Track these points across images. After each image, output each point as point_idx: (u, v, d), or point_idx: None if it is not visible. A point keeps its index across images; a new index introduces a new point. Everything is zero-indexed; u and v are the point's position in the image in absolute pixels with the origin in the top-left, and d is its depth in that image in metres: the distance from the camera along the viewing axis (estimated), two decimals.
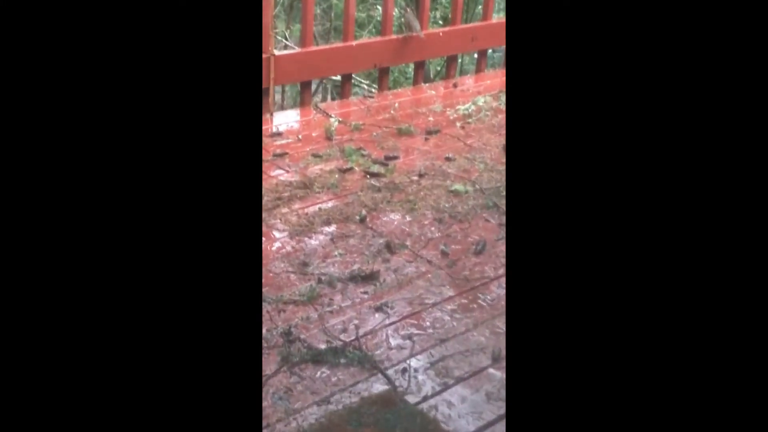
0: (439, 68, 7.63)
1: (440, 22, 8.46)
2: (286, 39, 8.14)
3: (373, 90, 7.32)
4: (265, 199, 2.35)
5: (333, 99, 8.04)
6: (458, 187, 2.50)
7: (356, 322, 1.84)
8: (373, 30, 8.19)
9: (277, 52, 3.06)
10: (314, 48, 3.22)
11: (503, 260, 2.08)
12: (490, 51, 4.04)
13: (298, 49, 3.19)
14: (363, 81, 7.79)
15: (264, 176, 2.50)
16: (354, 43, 3.29)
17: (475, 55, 4.10)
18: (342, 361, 1.71)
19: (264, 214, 2.27)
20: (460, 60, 6.88)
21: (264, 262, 2.03)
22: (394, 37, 3.44)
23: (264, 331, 1.77)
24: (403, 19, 3.58)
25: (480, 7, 7.87)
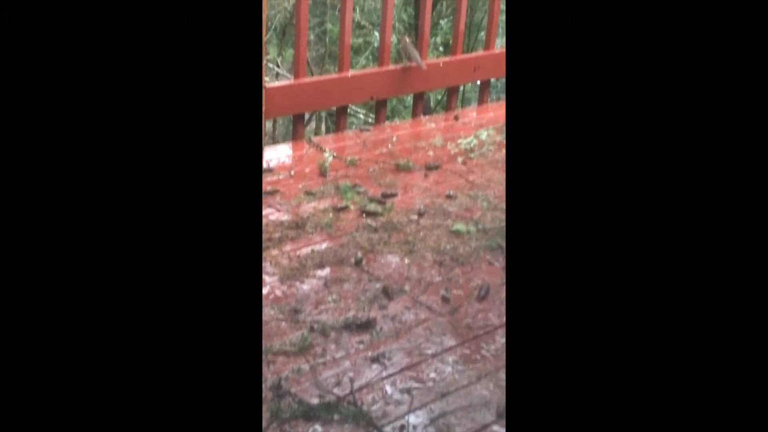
0: (440, 97, 7.59)
1: (441, 48, 8.47)
2: (278, 66, 8.10)
3: (371, 120, 7.28)
4: None
5: (327, 131, 8.00)
6: (460, 227, 2.40)
7: (351, 374, 1.73)
8: (370, 57, 8.17)
9: (268, 84, 2.98)
10: (308, 80, 3.14)
11: None
12: (493, 80, 3.97)
13: (290, 81, 3.11)
14: (359, 110, 7.74)
15: None
16: (350, 74, 3.22)
17: (478, 85, 4.03)
18: (336, 417, 1.60)
19: None
20: (461, 89, 6.84)
21: None
22: (392, 67, 3.37)
23: None
24: (400, 47, 3.51)
25: (482, 33, 7.87)
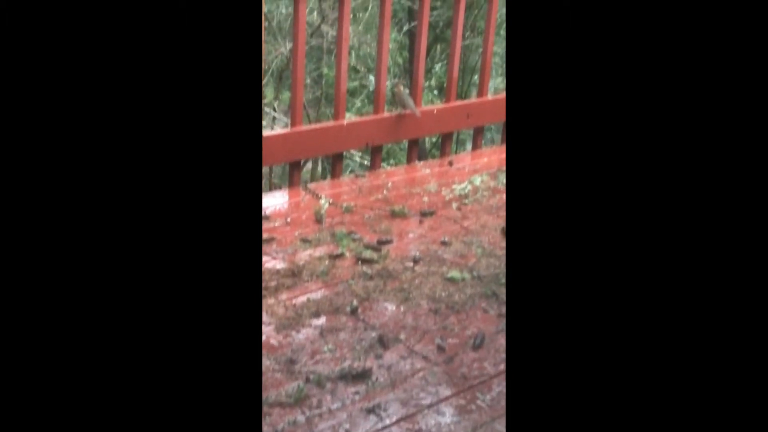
0: (435, 139, 7.66)
1: (435, 92, 8.57)
2: (275, 110, 8.18)
3: (366, 162, 7.34)
4: None
5: (323, 173, 8.06)
6: (455, 274, 2.43)
7: (347, 426, 1.75)
8: (366, 100, 8.27)
9: (265, 133, 3.03)
10: (304, 128, 3.19)
11: (503, 355, 2.00)
12: (486, 127, 4.03)
13: (287, 129, 3.16)
14: (355, 152, 7.81)
15: None
16: (345, 121, 3.27)
17: (471, 134, 4.09)
18: None
19: None
20: (455, 135, 6.91)
21: None
22: (386, 114, 3.43)
23: None
24: (395, 94, 3.57)
25: (476, 76, 7.95)
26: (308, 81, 8.30)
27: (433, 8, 7.64)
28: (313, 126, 3.30)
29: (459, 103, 3.76)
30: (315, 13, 7.38)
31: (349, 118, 3.41)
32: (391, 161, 8.16)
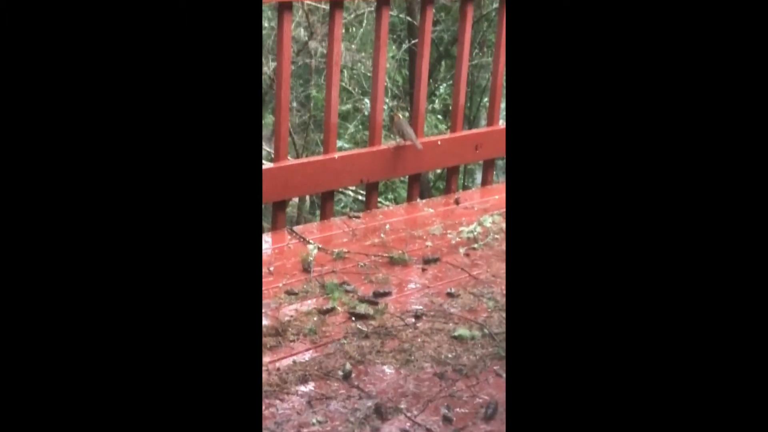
0: (439, 171, 7.69)
1: (439, 116, 8.61)
2: None
3: (360, 198, 7.36)
4: None
5: (311, 210, 8.08)
6: (463, 331, 2.42)
7: None
8: (360, 126, 8.31)
9: None
10: (289, 162, 3.21)
11: None
12: (497, 160, 4.05)
13: (270, 164, 3.17)
14: (348, 187, 7.83)
15: None
16: (336, 155, 3.28)
17: (481, 165, 4.11)
18: None
19: None
20: (462, 168, 6.93)
21: None
22: (383, 146, 3.44)
23: None
24: (393, 125, 3.59)
25: (486, 98, 8.00)
26: (294, 104, 8.35)
27: (436, 22, 7.71)
28: (300, 161, 3.32)
29: (466, 132, 3.78)
30: (302, 29, 7.44)
31: (342, 150, 3.42)
32: (390, 196, 8.18)
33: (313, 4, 6.81)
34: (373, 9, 3.80)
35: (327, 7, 3.38)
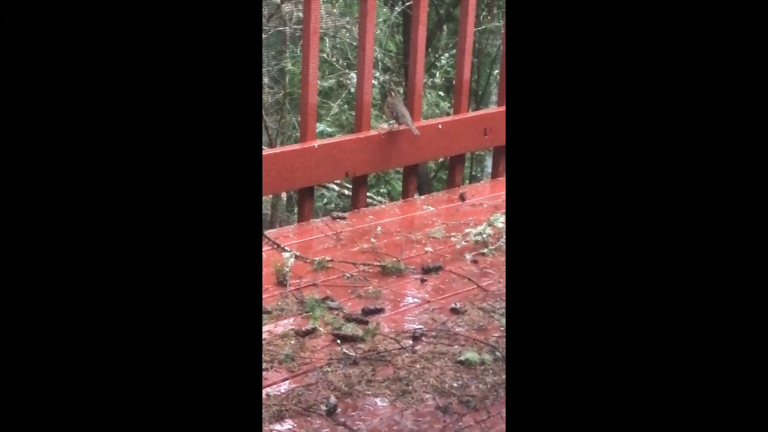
0: (441, 161, 7.70)
1: (440, 93, 8.62)
2: None
3: (347, 193, 7.35)
4: None
5: (289, 213, 8.07)
6: (470, 355, 2.43)
7: None
8: (346, 105, 8.32)
9: None
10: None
11: None
12: None
13: None
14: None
15: None
16: (316, 143, 3.29)
17: (491, 152, 4.12)
18: None
19: None
20: (468, 157, 6.93)
21: None
22: (373, 132, 3.44)
23: None
24: (384, 102, 3.60)
25: (496, 71, 7.98)
26: (266, 80, 8.35)
27: None
28: (273, 151, 3.32)
29: (473, 114, 3.79)
30: None
31: (323, 137, 3.43)
32: (382, 190, 8.18)
33: None
34: None
35: None
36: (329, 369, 2.37)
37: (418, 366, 2.40)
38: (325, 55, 7.76)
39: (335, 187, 7.88)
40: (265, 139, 7.54)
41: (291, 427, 2.14)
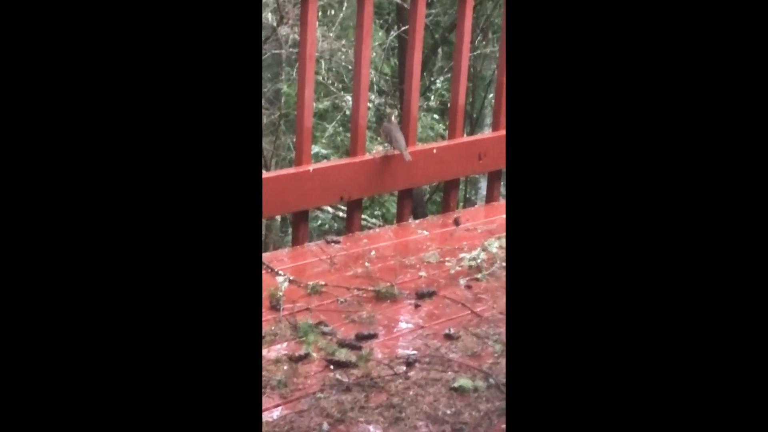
0: (436, 184, 7.71)
1: (435, 116, 8.64)
2: None
3: (341, 215, 7.36)
4: None
5: (284, 234, 8.06)
6: (464, 382, 2.42)
7: None
8: (341, 127, 8.32)
9: None
10: None
11: None
12: (505, 170, 4.05)
13: None
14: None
15: None
16: (311, 167, 3.28)
17: (485, 179, 4.13)
18: None
19: None
20: (463, 182, 6.94)
21: None
22: (368, 156, 3.44)
23: None
24: (380, 125, 3.60)
25: (491, 95, 8.00)
26: (262, 101, 8.36)
27: (430, 4, 7.75)
28: (268, 175, 3.31)
29: (467, 139, 3.81)
30: (269, 12, 7.45)
31: (318, 159, 3.42)
32: (377, 212, 8.18)
33: None
34: None
35: None
36: (322, 395, 2.35)
37: (411, 393, 2.38)
38: (320, 78, 7.78)
39: (330, 209, 7.88)
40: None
41: None
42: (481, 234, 3.48)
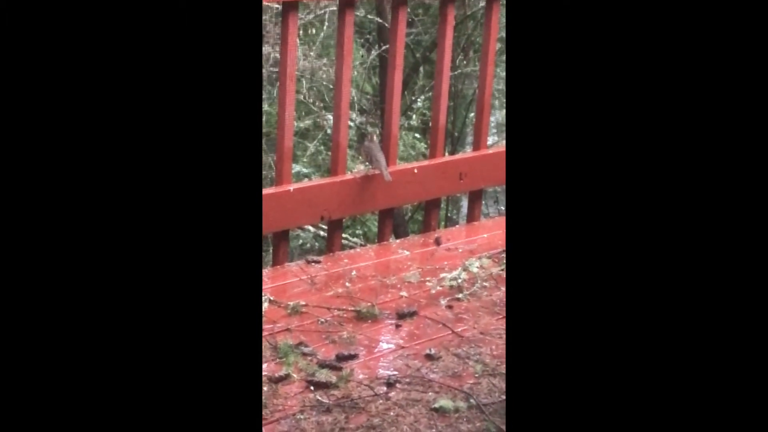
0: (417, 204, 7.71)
1: (417, 135, 8.65)
2: None
3: (322, 234, 7.34)
4: None
5: (265, 252, 8.02)
6: (445, 402, 2.41)
7: None
8: (323, 146, 8.32)
9: None
10: None
11: None
12: (486, 190, 4.06)
13: None
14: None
15: None
16: (291, 187, 3.28)
17: (466, 198, 4.13)
18: None
19: None
20: (444, 205, 6.94)
21: None
22: (349, 176, 3.44)
23: None
24: (361, 149, 3.60)
25: (472, 113, 8.02)
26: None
27: (411, 23, 7.76)
28: None
29: (448, 158, 3.81)
30: None
31: (299, 179, 3.42)
32: (358, 231, 8.17)
33: (265, 3, 6.84)
34: (335, 8, 3.82)
35: (280, 6, 3.39)
36: (302, 416, 2.34)
37: (392, 413, 2.37)
38: (301, 96, 7.79)
39: (311, 228, 7.87)
40: None
41: None
42: (462, 254, 3.47)
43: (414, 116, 8.68)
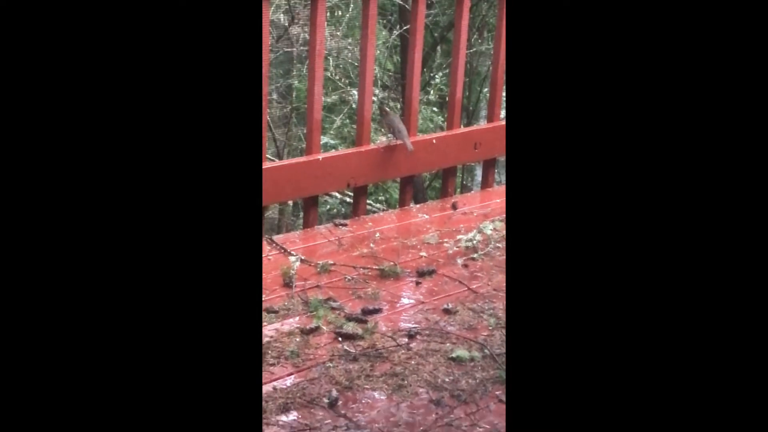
0: (435, 171, 7.70)
1: (435, 109, 8.63)
2: None
3: (348, 200, 7.36)
4: None
5: (294, 212, 8.07)
6: (461, 352, 2.43)
7: None
8: (348, 120, 8.32)
9: None
10: (268, 165, 3.22)
11: None
12: (499, 158, 4.06)
13: None
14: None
15: None
16: (321, 156, 3.29)
17: (480, 167, 4.13)
18: None
19: None
20: (460, 169, 6.94)
21: None
22: (372, 146, 3.45)
23: None
24: (382, 116, 3.61)
25: (486, 89, 8.00)
26: (274, 96, 8.36)
27: (430, 5, 7.73)
28: (280, 163, 3.33)
29: (464, 130, 3.80)
30: (282, 13, 7.44)
31: (327, 148, 3.44)
32: (381, 197, 8.18)
33: None
34: None
35: None
36: (331, 365, 2.37)
37: (412, 362, 2.40)
38: (329, 74, 7.77)
39: (338, 194, 7.88)
40: (273, 150, 7.54)
41: (296, 418, 2.14)
42: (477, 217, 3.48)
43: (432, 92, 8.64)
